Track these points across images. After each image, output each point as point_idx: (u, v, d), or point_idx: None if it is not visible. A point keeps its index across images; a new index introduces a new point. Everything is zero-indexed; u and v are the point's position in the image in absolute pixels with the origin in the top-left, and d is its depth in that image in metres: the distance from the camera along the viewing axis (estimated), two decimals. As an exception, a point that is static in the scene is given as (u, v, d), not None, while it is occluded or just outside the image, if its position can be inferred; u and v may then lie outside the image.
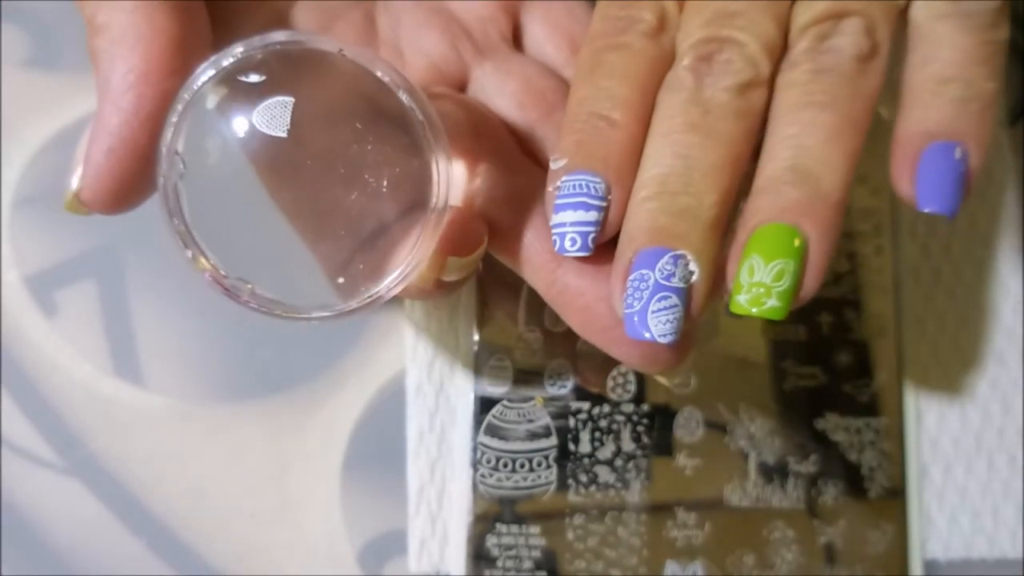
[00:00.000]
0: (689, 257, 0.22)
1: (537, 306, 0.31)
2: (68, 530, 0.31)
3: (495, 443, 0.30)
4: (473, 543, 0.30)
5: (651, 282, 0.22)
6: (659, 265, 0.22)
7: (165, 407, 0.32)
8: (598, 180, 0.22)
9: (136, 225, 0.33)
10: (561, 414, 0.31)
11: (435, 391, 0.31)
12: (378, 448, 0.32)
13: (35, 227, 0.33)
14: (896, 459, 0.31)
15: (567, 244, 0.22)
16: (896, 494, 0.30)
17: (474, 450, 0.30)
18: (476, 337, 0.31)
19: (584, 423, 0.30)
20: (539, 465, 0.30)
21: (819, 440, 0.31)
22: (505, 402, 0.31)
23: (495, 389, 0.31)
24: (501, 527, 0.30)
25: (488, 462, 0.30)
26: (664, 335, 0.21)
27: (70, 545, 0.31)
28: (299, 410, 0.32)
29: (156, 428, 0.32)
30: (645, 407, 0.31)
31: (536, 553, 0.30)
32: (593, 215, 0.22)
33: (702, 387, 0.31)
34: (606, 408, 0.31)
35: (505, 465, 0.30)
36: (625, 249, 0.22)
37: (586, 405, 0.31)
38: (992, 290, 0.32)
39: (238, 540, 0.31)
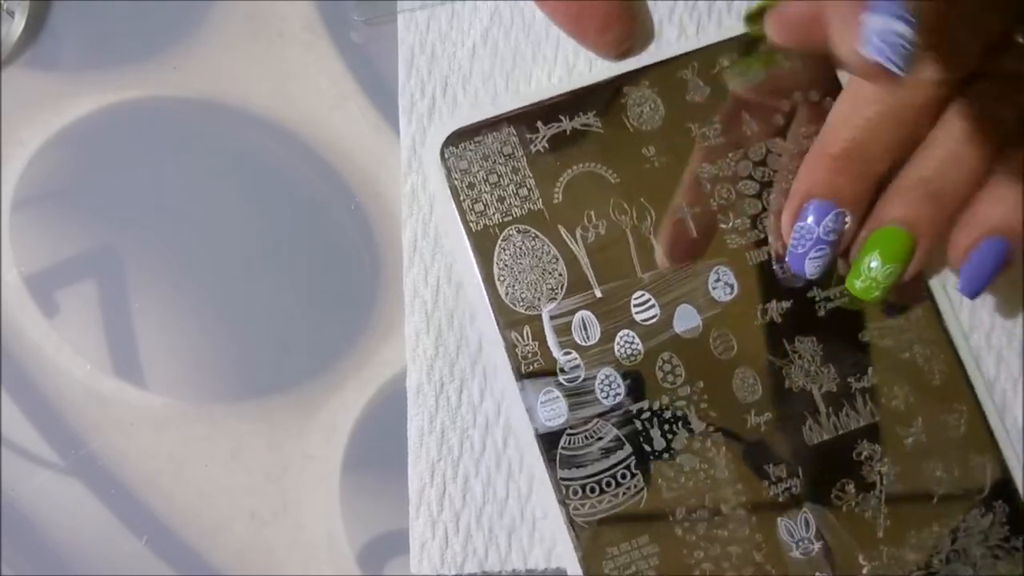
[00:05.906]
0: None
1: (563, 328, 0.31)
2: (68, 530, 0.31)
3: (574, 473, 0.30)
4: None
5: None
6: None
7: (165, 407, 0.32)
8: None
9: (136, 225, 0.33)
10: (625, 421, 0.30)
11: (435, 391, 0.31)
12: (378, 448, 0.32)
13: (35, 227, 0.33)
14: (943, 343, 0.31)
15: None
16: (956, 374, 0.31)
17: (557, 488, 0.30)
18: (518, 382, 0.30)
19: (650, 421, 0.30)
20: (623, 478, 0.30)
21: (869, 351, 0.31)
22: (568, 431, 0.30)
23: (553, 423, 0.30)
24: (612, 550, 0.30)
25: (575, 494, 0.30)
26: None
27: (70, 545, 0.31)
28: (299, 410, 0.32)
29: (156, 428, 0.32)
30: (700, 384, 0.30)
31: (654, 560, 0.30)
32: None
33: (743, 345, 0.31)
34: (665, 400, 0.30)
35: (592, 491, 0.30)
36: None
37: (645, 404, 0.30)
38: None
39: (238, 540, 0.31)
